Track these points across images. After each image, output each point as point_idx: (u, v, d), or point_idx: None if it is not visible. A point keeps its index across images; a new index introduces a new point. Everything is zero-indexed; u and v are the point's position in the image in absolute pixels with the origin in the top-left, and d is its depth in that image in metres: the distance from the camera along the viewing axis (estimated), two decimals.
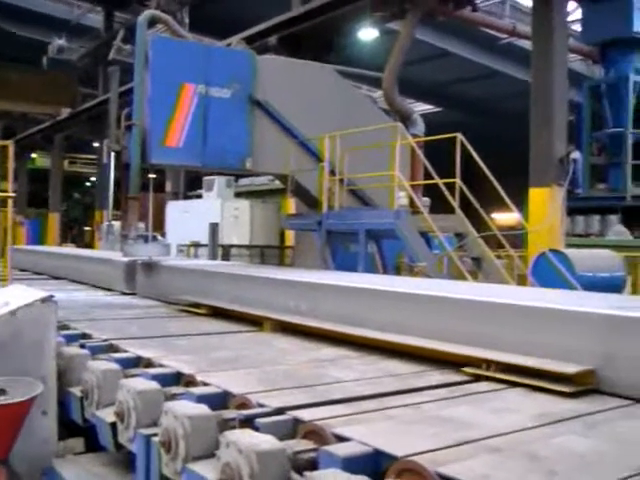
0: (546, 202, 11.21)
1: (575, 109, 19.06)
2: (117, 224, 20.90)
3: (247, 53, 9.78)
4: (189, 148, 8.85)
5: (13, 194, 7.58)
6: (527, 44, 17.11)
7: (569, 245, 12.01)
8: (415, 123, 11.58)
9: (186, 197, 21.78)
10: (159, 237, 8.89)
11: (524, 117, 12.27)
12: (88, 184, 42.55)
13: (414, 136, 10.53)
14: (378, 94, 20.50)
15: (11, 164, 7.51)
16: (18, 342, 3.86)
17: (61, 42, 26.97)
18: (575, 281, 8.54)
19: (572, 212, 15.62)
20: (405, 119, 11.31)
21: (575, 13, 21.97)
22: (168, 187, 21.63)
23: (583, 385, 3.29)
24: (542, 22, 11.73)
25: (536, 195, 11.43)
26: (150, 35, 9.17)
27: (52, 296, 4.06)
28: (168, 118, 8.70)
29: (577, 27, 21.28)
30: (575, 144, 15.30)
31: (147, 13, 9.26)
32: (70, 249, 18.57)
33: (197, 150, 8.94)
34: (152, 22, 9.69)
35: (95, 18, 27.74)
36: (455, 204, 8.98)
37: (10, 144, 7.68)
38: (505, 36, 21.14)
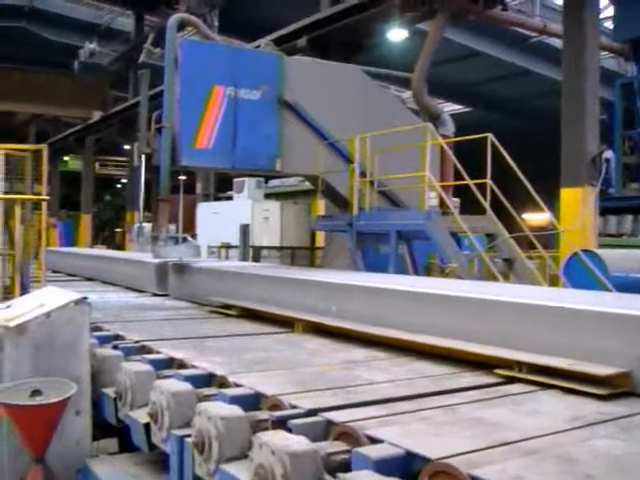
0: (578, 202, 11.09)
1: (607, 108, 18.81)
2: (148, 226, 21.08)
3: (275, 55, 9.81)
4: (219, 150, 8.91)
5: (46, 197, 7.66)
6: (558, 42, 16.96)
7: (601, 245, 11.86)
8: (444, 123, 11.53)
9: (216, 198, 21.87)
10: (189, 238, 8.94)
11: (555, 116, 12.15)
12: (119, 186, 42.95)
13: (443, 136, 10.48)
14: (407, 94, 20.43)
15: (45, 167, 7.60)
16: (53, 343, 3.91)
17: (92, 46, 27.24)
18: (608, 282, 8.43)
19: (604, 212, 15.39)
20: (434, 119, 11.27)
21: (607, 10, 21.70)
22: (198, 189, 21.73)
23: (618, 388, 3.25)
24: (573, 20, 11.60)
25: (568, 195, 11.31)
26: (180, 38, 9.25)
27: (85, 298, 4.11)
28: (198, 120, 8.76)
29: (609, 24, 21.00)
30: (607, 143, 15.09)
31: (177, 16, 9.34)
32: (102, 251, 18.77)
33: (227, 152, 8.99)
34: (182, 25, 9.78)
35: (125, 22, 28.02)
36: (486, 204, 8.92)
37: (44, 148, 7.77)
38: (535, 34, 20.95)
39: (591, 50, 11.50)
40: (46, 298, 4.19)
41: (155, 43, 21.19)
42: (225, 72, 8.96)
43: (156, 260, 8.35)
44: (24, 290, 6.72)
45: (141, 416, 3.52)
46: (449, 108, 30.57)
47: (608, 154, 11.30)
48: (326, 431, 2.79)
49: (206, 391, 3.46)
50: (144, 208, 24.37)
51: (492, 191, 8.92)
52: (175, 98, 8.63)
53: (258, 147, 9.20)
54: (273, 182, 20.67)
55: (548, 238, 12.13)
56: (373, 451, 2.40)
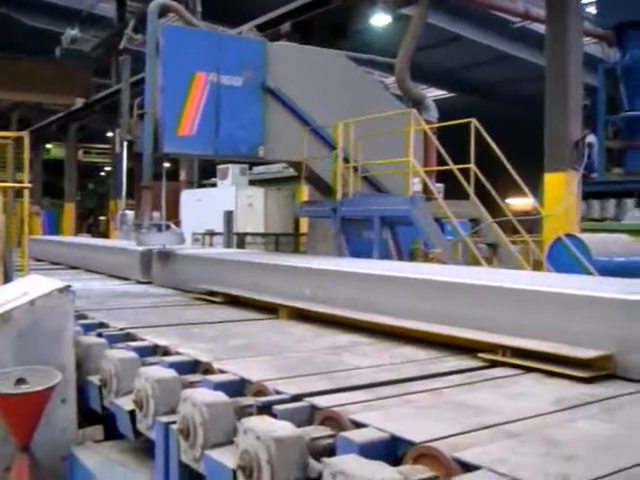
0: (561, 187, 11.14)
1: (590, 93, 18.89)
2: (130, 213, 20.98)
3: (258, 40, 9.77)
4: (201, 137, 8.87)
5: (29, 185, 7.61)
6: (541, 27, 16.99)
7: (585, 230, 11.94)
8: (428, 108, 11.53)
9: (200, 185, 21.80)
10: (172, 226, 8.91)
11: (539, 101, 12.18)
12: (103, 174, 42.67)
13: (427, 122, 10.48)
14: (390, 80, 20.43)
15: (27, 155, 7.54)
16: (37, 332, 3.90)
17: (74, 32, 27.00)
18: (591, 266, 8.49)
19: (588, 196, 15.52)
20: (417, 104, 11.26)
21: None
22: (182, 176, 21.66)
23: (600, 370, 3.28)
24: (556, 5, 11.61)
25: (551, 180, 11.36)
26: (161, 24, 9.17)
27: (69, 286, 4.09)
28: (180, 107, 8.71)
29: (592, 9, 21.04)
30: (590, 128, 15.16)
31: (158, 2, 9.23)
32: (86, 239, 18.68)
33: (209, 139, 8.95)
34: (163, 11, 9.69)
35: (107, 7, 27.74)
36: (470, 190, 8.95)
37: (25, 135, 7.71)
38: (518, 19, 20.95)
39: (574, 35, 11.52)
40: (30, 286, 4.17)
41: (136, 29, 21.03)
42: (207, 58, 8.91)
43: (140, 248, 8.32)
44: (7, 279, 6.68)
45: (126, 403, 3.52)
46: (432, 94, 30.62)
47: (591, 139, 11.35)
48: (311, 416, 2.80)
49: (191, 378, 3.46)
50: (127, 196, 24.28)
51: (476, 176, 8.95)
52: (157, 84, 8.57)
53: (241, 134, 9.17)
54: (257, 169, 20.63)
55: (532, 223, 12.20)
56: (358, 435, 2.41)
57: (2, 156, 8.33)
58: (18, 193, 8.46)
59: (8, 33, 28.29)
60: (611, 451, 2.27)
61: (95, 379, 3.97)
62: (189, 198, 19.23)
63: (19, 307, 3.88)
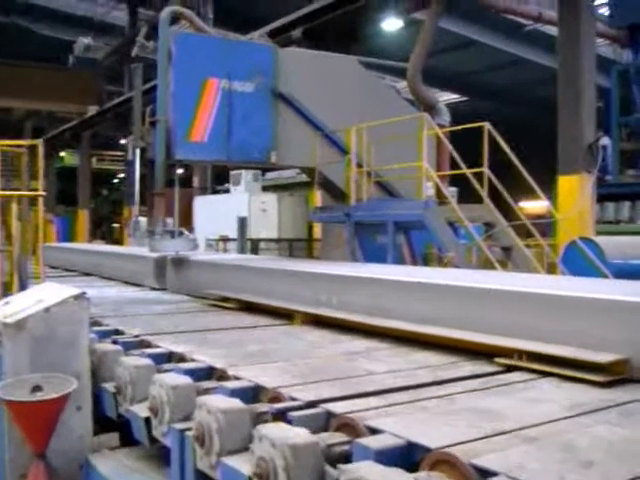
0: (575, 189, 11.09)
1: (603, 95, 18.79)
2: (144, 220, 21.06)
3: (269, 46, 9.78)
4: (213, 143, 8.89)
5: (43, 193, 7.65)
6: (553, 30, 16.91)
7: (599, 232, 11.88)
8: (440, 112, 11.51)
9: (214, 192, 21.87)
10: (185, 232, 8.93)
11: (552, 104, 12.14)
12: (116, 181, 42.87)
13: (439, 126, 10.46)
14: (402, 84, 20.41)
15: (41, 163, 7.58)
16: (52, 339, 3.91)
17: (87, 41, 27.16)
18: (606, 269, 8.45)
19: (602, 199, 15.41)
20: (430, 109, 11.24)
21: None
22: (195, 182, 21.73)
23: (617, 374, 3.25)
24: (569, 7, 11.58)
25: (565, 183, 11.31)
26: (173, 31, 9.21)
27: (84, 293, 4.10)
28: (192, 113, 8.74)
29: (604, 10, 20.94)
30: (604, 130, 15.09)
31: (169, 9, 9.30)
32: (100, 246, 18.76)
33: (221, 145, 8.97)
34: (175, 18, 9.74)
35: (120, 16, 27.90)
36: (483, 193, 8.92)
37: (40, 143, 7.75)
38: (530, 22, 20.89)
39: (587, 37, 11.48)
40: (45, 294, 4.18)
41: (148, 36, 21.15)
42: (219, 64, 8.93)
43: (154, 254, 8.34)
44: (22, 286, 6.71)
45: (141, 410, 3.51)
46: (445, 97, 30.59)
47: (605, 141, 11.30)
48: (326, 422, 2.79)
49: (206, 384, 3.46)
50: (140, 202, 24.39)
51: (489, 180, 8.92)
52: (169, 91, 8.60)
53: (253, 139, 9.18)
54: (270, 174, 20.68)
55: (546, 226, 12.15)
56: (374, 442, 2.40)
57: (17, 165, 8.36)
58: (33, 201, 8.51)
59: (21, 43, 28.50)
60: (629, 457, 2.24)
61: (110, 386, 3.97)
62: (202, 204, 19.29)
63: (34, 315, 3.90)
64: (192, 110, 8.74)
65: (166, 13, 9.03)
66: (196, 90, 8.78)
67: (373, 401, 2.94)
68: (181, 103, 8.66)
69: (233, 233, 15.91)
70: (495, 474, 2.06)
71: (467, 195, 10.67)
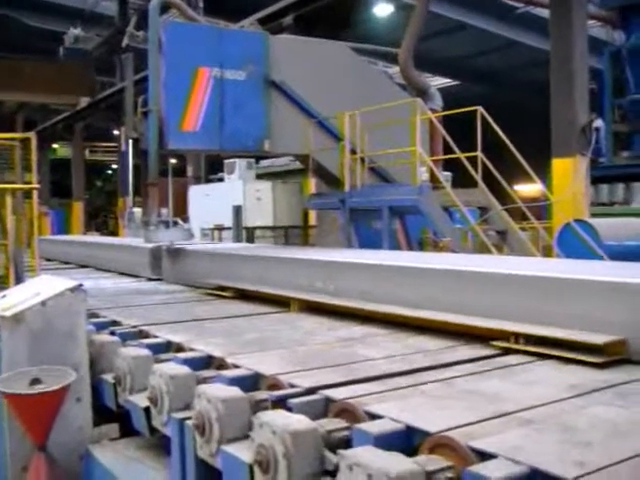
0: (569, 172, 11.10)
1: (596, 76, 18.76)
2: (138, 211, 21.05)
3: (260, 34, 9.76)
4: (206, 132, 8.87)
5: (37, 185, 7.63)
6: (545, 12, 16.87)
7: (594, 215, 11.90)
8: (433, 97, 11.50)
9: (208, 181, 21.84)
10: (180, 222, 8.92)
11: (544, 87, 12.13)
12: (110, 172, 42.79)
13: (432, 110, 10.47)
14: (394, 70, 20.37)
15: (34, 156, 7.56)
16: (50, 332, 3.91)
17: (76, 31, 27.03)
18: (601, 251, 8.47)
19: (596, 181, 15.41)
20: (422, 94, 11.24)
21: None
22: (189, 171, 21.70)
23: (614, 355, 3.27)
24: None
25: (559, 165, 11.32)
26: (163, 20, 9.17)
27: (81, 285, 4.10)
28: (184, 103, 8.71)
29: None
30: (597, 112, 15.08)
31: None
32: (95, 237, 18.73)
33: (214, 134, 8.95)
34: (165, 7, 9.70)
35: (110, 6, 27.74)
36: (477, 177, 8.93)
37: (32, 136, 7.73)
38: (522, 5, 20.84)
39: (578, 19, 11.46)
40: (41, 287, 4.18)
41: (138, 26, 21.06)
42: (210, 53, 8.90)
43: (150, 245, 8.34)
44: (19, 279, 6.71)
45: (141, 400, 3.52)
46: (437, 82, 30.52)
47: (598, 123, 11.32)
48: (326, 408, 2.81)
49: (205, 373, 3.47)
50: (135, 193, 24.36)
51: (483, 164, 8.92)
52: (160, 81, 8.57)
53: (246, 128, 9.16)
54: (264, 162, 20.64)
55: (540, 209, 12.17)
56: (373, 427, 2.41)
57: (10, 158, 8.33)
58: (27, 194, 8.48)
59: (10, 34, 28.33)
60: (627, 437, 2.25)
61: (109, 377, 3.98)
62: (197, 193, 19.26)
63: (31, 308, 3.90)
64: (184, 99, 8.71)
65: (156, 2, 8.97)
66: (187, 79, 8.75)
67: (372, 386, 2.95)
68: (173, 93, 8.63)
69: (228, 222, 15.89)
70: (494, 456, 2.07)
71: (461, 179, 10.67)
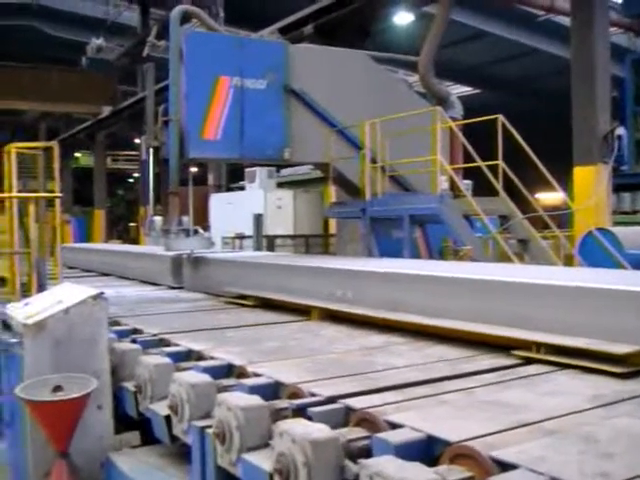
0: (591, 180, 11.03)
1: (618, 84, 18.64)
2: (159, 219, 21.11)
3: (280, 43, 9.77)
4: (227, 141, 8.89)
5: (60, 194, 7.70)
6: (566, 20, 16.80)
7: (616, 223, 11.81)
8: (453, 105, 11.45)
9: (229, 189, 21.91)
10: (200, 230, 8.96)
11: (566, 95, 12.07)
12: (131, 180, 43.05)
13: (452, 119, 10.42)
14: (414, 78, 20.35)
15: (57, 164, 7.64)
16: (72, 339, 3.94)
17: (99, 42, 27.23)
18: (623, 259, 8.39)
19: (618, 189, 15.31)
20: (442, 102, 11.19)
21: None
22: (210, 180, 21.79)
23: (636, 366, 3.24)
24: None
25: (581, 173, 11.25)
26: (183, 30, 9.22)
27: (102, 293, 4.13)
28: (204, 112, 8.74)
29: None
30: (619, 120, 14.98)
31: (179, 8, 9.29)
32: (116, 245, 18.85)
33: (235, 142, 8.97)
34: (186, 17, 9.74)
35: (132, 16, 27.97)
36: (498, 186, 8.88)
37: (55, 145, 7.81)
38: (543, 12, 20.75)
39: (600, 26, 11.40)
40: (63, 294, 4.22)
41: (160, 36, 21.19)
42: (230, 62, 8.93)
43: (171, 253, 8.38)
44: (41, 287, 6.76)
45: (161, 408, 3.54)
46: (458, 90, 30.44)
47: (620, 131, 11.23)
48: (346, 418, 2.80)
49: (225, 382, 3.48)
50: (156, 201, 24.46)
51: (504, 172, 8.88)
52: (181, 90, 8.62)
53: (266, 136, 9.17)
54: (285, 171, 20.68)
55: (562, 217, 12.09)
56: (393, 436, 2.41)
57: (33, 166, 8.43)
58: (49, 202, 8.56)
59: (34, 45, 28.67)
60: None
61: (130, 385, 4.00)
62: (218, 202, 19.33)
63: (54, 315, 3.93)
64: (204, 108, 8.75)
65: (177, 12, 9.03)
66: (208, 88, 8.78)
67: (392, 396, 2.95)
68: (193, 102, 8.67)
69: (249, 230, 15.93)
70: (515, 467, 2.06)
71: (481, 188, 10.63)
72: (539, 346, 3.60)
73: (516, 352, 3.69)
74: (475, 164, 9.04)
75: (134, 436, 4.47)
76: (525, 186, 8.91)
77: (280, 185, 19.90)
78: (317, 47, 10.98)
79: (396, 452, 2.30)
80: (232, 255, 8.92)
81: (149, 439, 4.01)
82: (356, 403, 2.82)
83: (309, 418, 2.73)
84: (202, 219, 17.52)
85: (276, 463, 2.46)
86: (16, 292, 6.81)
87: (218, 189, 21.27)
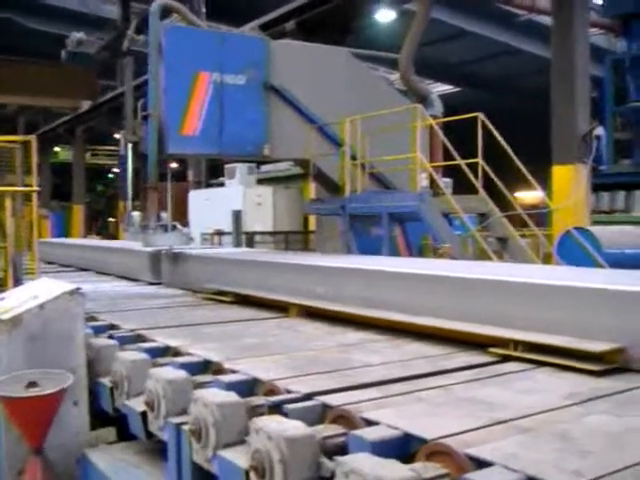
0: (570, 179, 11.11)
1: (598, 84, 18.77)
2: (137, 214, 21.03)
3: (261, 39, 9.74)
4: (206, 136, 8.85)
5: (37, 188, 7.63)
6: (547, 20, 16.91)
7: (594, 222, 11.90)
8: (433, 104, 11.49)
9: (208, 185, 21.83)
10: (179, 226, 8.91)
11: (546, 94, 12.14)
12: (110, 176, 42.81)
13: (432, 117, 10.45)
14: (395, 76, 20.38)
15: (35, 159, 7.57)
16: (48, 335, 3.90)
17: (79, 35, 27.02)
18: (601, 258, 8.45)
19: (596, 189, 15.43)
20: (422, 100, 11.23)
21: None
22: (190, 176, 21.69)
23: (612, 363, 3.26)
24: None
25: (560, 173, 11.33)
26: (163, 24, 9.16)
27: (79, 288, 4.10)
28: (184, 107, 8.69)
29: (598, 0, 20.92)
30: (598, 120, 15.09)
31: (159, 2, 9.21)
32: (95, 241, 18.73)
33: (214, 138, 8.93)
34: (166, 11, 9.68)
35: (112, 9, 27.75)
36: (478, 184, 8.92)
37: (33, 139, 7.73)
38: (524, 12, 20.87)
39: (580, 27, 11.48)
40: (40, 290, 4.17)
41: (139, 30, 21.08)
42: (210, 57, 8.88)
43: (149, 249, 8.33)
44: (17, 282, 6.71)
45: (138, 405, 3.52)
46: (438, 88, 30.56)
47: (599, 131, 11.31)
48: (322, 415, 2.80)
49: (202, 378, 3.46)
50: (135, 197, 24.34)
51: (484, 171, 8.91)
52: (160, 85, 8.56)
53: (246, 132, 9.14)
54: (265, 167, 20.64)
55: (541, 216, 12.16)
56: (369, 433, 2.41)
57: (10, 160, 8.34)
58: (27, 197, 8.49)
59: (13, 37, 28.38)
60: (625, 446, 2.25)
61: (106, 381, 3.97)
62: (197, 198, 19.26)
63: (29, 310, 3.89)
64: (184, 104, 8.69)
65: (156, 6, 8.96)
66: (187, 83, 8.73)
67: (369, 393, 2.94)
68: (172, 97, 8.61)
69: (228, 227, 15.88)
70: (491, 464, 2.06)
71: (461, 186, 10.66)
72: (516, 344, 3.61)
73: (494, 350, 3.70)
74: (455, 162, 9.07)
75: (110, 432, 4.45)
76: (505, 185, 8.96)
77: (260, 181, 19.85)
78: (298, 43, 10.96)
79: (372, 449, 2.30)
80: (211, 251, 8.88)
81: (125, 435, 3.99)
82: (333, 400, 2.81)
83: (285, 415, 2.72)
84: (181, 215, 17.46)
85: (252, 460, 2.45)
86: None
87: (198, 185, 21.18)
